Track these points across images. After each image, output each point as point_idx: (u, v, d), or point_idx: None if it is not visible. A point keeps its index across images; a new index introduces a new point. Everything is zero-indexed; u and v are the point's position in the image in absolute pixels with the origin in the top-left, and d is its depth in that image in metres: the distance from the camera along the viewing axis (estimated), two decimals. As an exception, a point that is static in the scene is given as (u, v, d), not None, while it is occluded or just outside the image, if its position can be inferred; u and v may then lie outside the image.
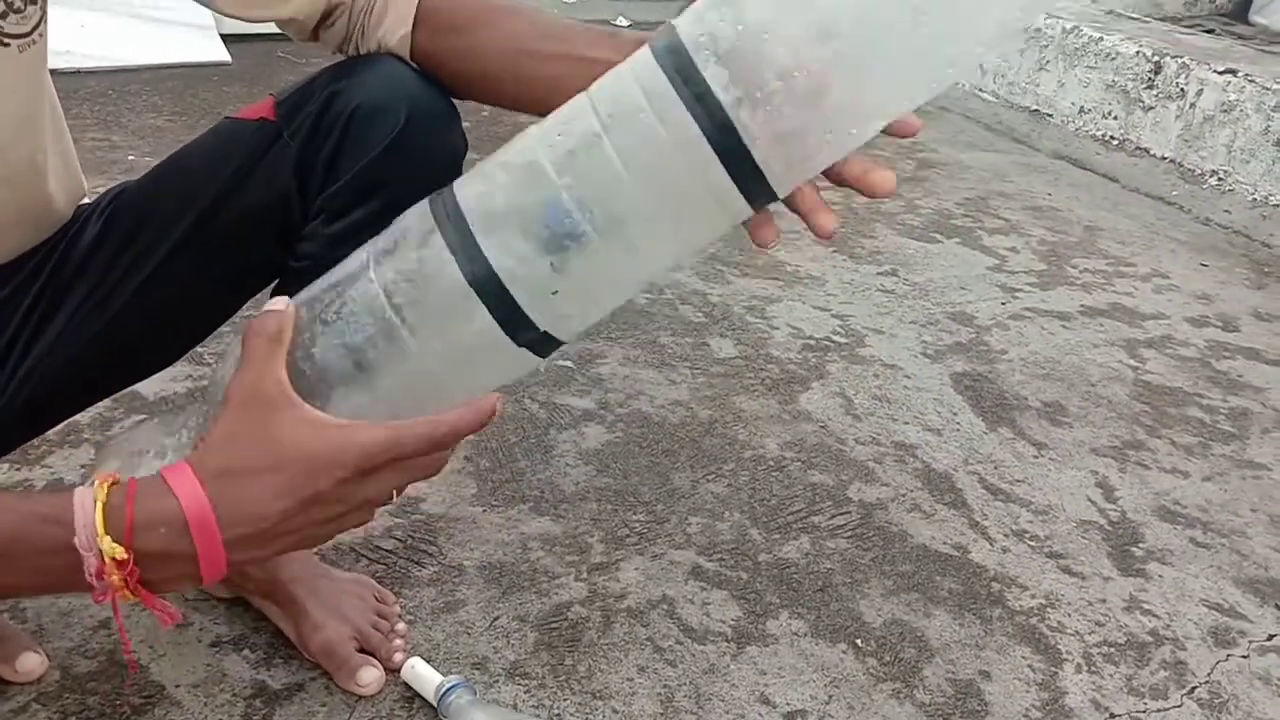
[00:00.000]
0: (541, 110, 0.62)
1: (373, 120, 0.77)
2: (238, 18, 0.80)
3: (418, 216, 0.60)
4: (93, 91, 2.48)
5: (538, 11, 0.77)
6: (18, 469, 1.21)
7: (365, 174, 0.78)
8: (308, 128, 0.78)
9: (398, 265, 0.58)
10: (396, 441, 0.52)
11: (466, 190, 0.59)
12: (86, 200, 0.91)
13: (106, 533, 0.49)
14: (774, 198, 0.56)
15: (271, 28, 0.83)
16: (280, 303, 0.58)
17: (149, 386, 1.39)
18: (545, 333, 0.58)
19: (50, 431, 1.28)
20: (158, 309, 0.84)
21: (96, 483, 0.51)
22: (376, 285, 0.58)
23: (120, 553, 0.49)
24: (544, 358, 0.60)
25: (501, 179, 0.58)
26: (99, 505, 0.50)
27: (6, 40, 0.72)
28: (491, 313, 0.56)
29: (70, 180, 0.87)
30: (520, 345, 0.58)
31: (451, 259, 0.56)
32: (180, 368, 1.45)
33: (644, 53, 0.55)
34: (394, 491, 0.55)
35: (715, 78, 0.52)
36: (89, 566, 0.49)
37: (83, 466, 1.23)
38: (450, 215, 0.57)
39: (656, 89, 0.53)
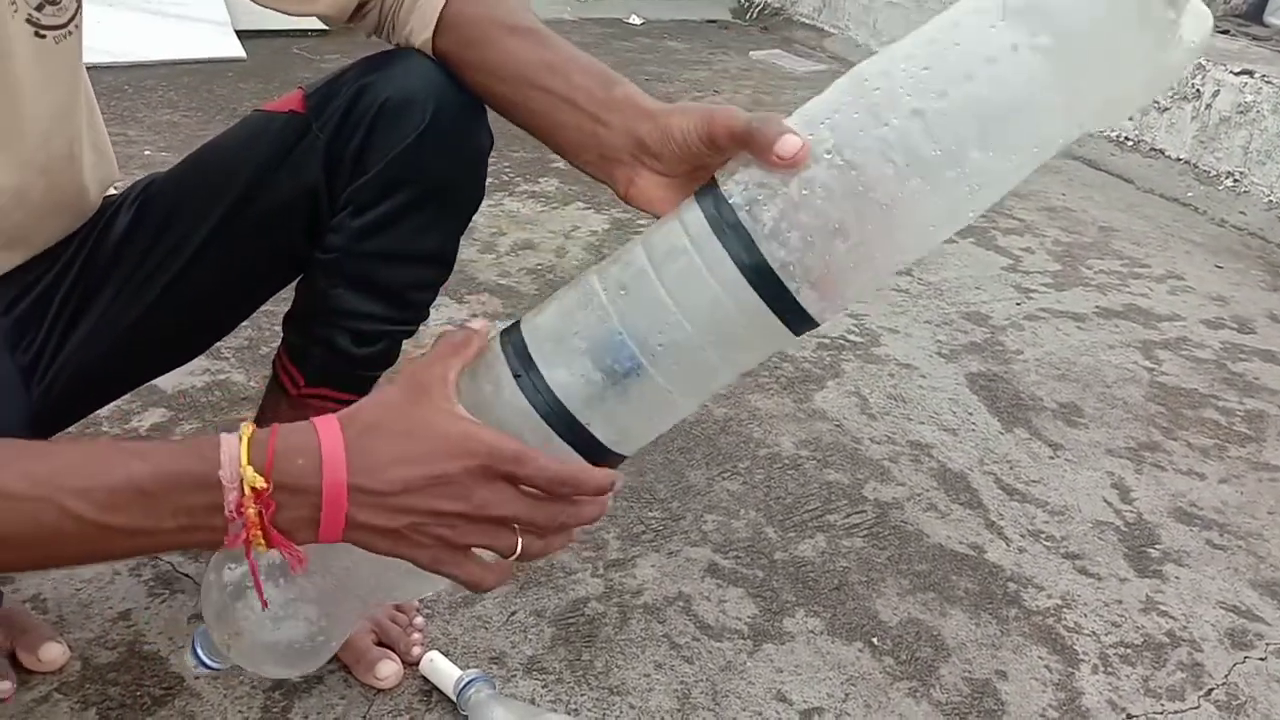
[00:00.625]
0: (541, 138, 0.69)
1: (401, 114, 0.77)
2: (273, 9, 0.80)
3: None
4: (109, 87, 2.49)
5: (542, 37, 0.75)
6: (38, 461, 1.22)
7: (392, 167, 0.78)
8: (336, 120, 0.79)
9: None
10: (523, 454, 0.54)
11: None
12: (114, 191, 0.92)
13: (250, 463, 0.51)
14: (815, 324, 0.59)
15: (287, 23, 0.83)
16: (479, 323, 0.60)
17: (168, 381, 1.40)
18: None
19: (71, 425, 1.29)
20: (189, 301, 0.84)
21: (243, 425, 0.53)
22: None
23: (260, 482, 0.50)
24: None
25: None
26: (244, 439, 0.52)
27: (43, 32, 0.72)
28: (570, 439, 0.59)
29: (104, 170, 0.88)
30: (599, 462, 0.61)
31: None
32: (200, 362, 1.45)
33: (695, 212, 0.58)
34: (515, 529, 0.55)
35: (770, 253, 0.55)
36: (229, 501, 0.50)
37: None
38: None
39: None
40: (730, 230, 0.55)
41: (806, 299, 0.56)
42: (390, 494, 0.52)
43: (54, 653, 0.93)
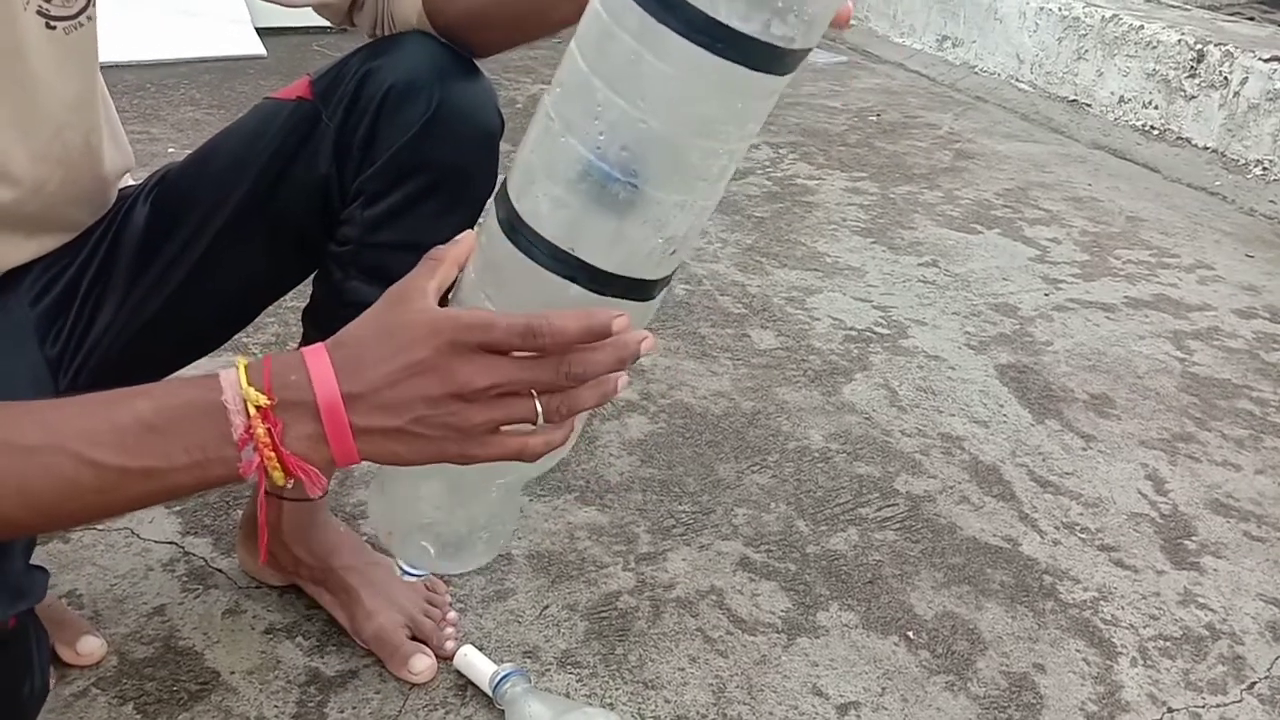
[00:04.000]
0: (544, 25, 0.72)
1: (405, 101, 0.77)
2: (276, 1, 0.80)
3: None
4: (130, 85, 2.50)
5: None
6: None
7: (401, 155, 0.78)
8: (344, 108, 0.78)
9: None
10: (486, 318, 0.52)
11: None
12: (133, 182, 0.92)
13: (249, 384, 0.51)
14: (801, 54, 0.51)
15: (306, 19, 0.83)
16: (465, 235, 0.59)
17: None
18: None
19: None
20: (207, 293, 0.84)
21: (236, 358, 0.54)
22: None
23: (262, 399, 0.50)
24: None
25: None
26: (240, 366, 0.52)
27: (53, 23, 0.72)
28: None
29: (121, 162, 0.87)
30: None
31: None
32: (226, 357, 1.45)
33: None
34: (521, 395, 0.52)
35: None
36: (236, 426, 0.50)
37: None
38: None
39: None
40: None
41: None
42: (377, 391, 0.51)
43: (91, 646, 0.93)
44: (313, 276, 0.89)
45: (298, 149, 0.80)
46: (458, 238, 0.58)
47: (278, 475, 0.51)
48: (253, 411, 0.50)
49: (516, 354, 0.52)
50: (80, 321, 0.83)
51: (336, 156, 0.80)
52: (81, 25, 0.76)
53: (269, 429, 0.51)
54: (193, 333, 0.90)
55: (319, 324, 0.88)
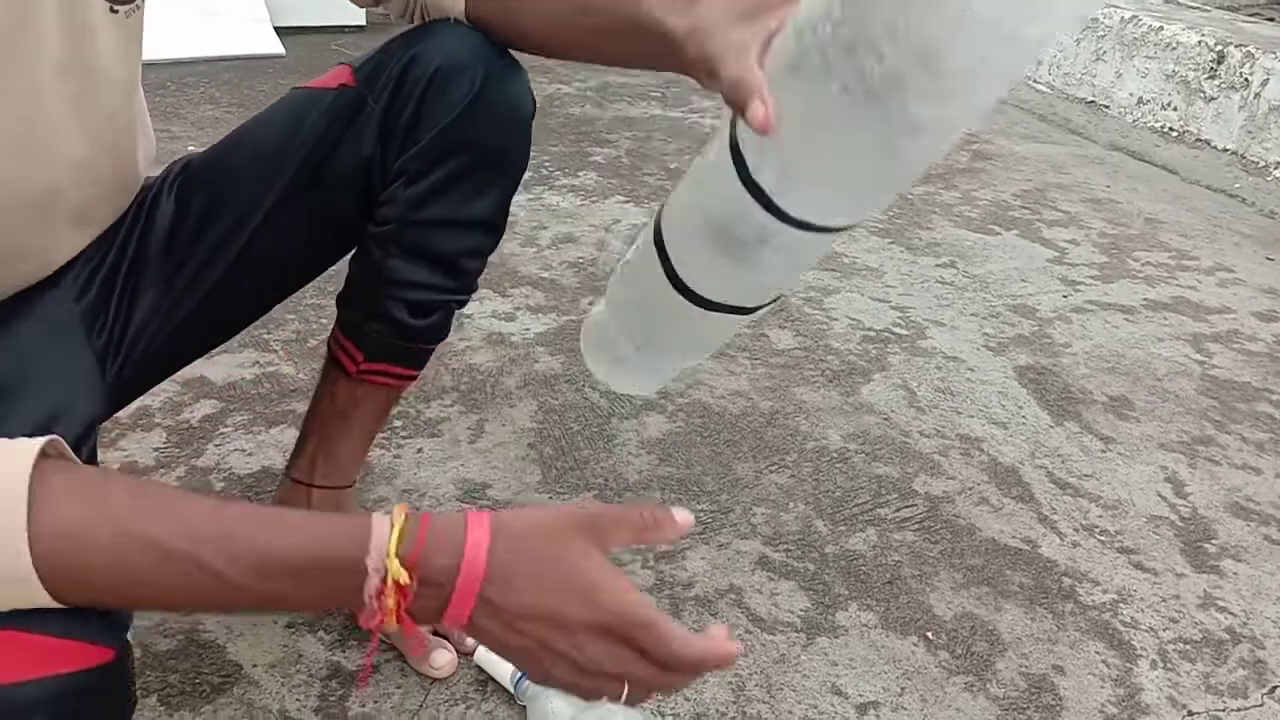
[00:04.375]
0: (587, 57, 0.77)
1: (450, 82, 0.78)
2: None
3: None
4: (150, 84, 2.51)
5: None
6: (93, 451, 1.23)
7: (444, 135, 0.80)
8: (390, 91, 0.80)
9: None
10: (652, 626, 0.52)
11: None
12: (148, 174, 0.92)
13: (396, 554, 0.51)
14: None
15: (325, 19, 0.84)
16: (682, 517, 0.57)
17: (218, 373, 1.41)
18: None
19: (123, 413, 1.31)
20: (245, 286, 0.85)
21: (395, 510, 0.53)
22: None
23: (404, 577, 0.50)
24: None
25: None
26: (395, 529, 0.51)
27: (115, 7, 0.73)
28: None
29: (149, 150, 0.88)
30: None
31: None
32: (249, 355, 1.46)
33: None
34: (621, 682, 0.54)
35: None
36: (370, 587, 0.50)
37: (155, 449, 1.25)
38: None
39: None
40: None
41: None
42: (512, 614, 0.52)
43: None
44: (349, 259, 0.90)
45: (343, 133, 0.82)
46: (679, 517, 0.57)
47: (390, 628, 0.52)
48: (389, 582, 0.50)
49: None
50: (120, 315, 0.84)
51: (381, 138, 0.81)
52: (138, 8, 0.77)
53: (399, 602, 0.51)
54: (228, 319, 0.91)
55: (354, 305, 0.89)
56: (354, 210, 0.84)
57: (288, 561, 0.51)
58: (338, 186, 0.82)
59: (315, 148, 0.82)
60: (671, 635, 0.53)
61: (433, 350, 0.92)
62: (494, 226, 0.87)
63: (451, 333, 0.93)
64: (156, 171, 0.91)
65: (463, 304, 0.90)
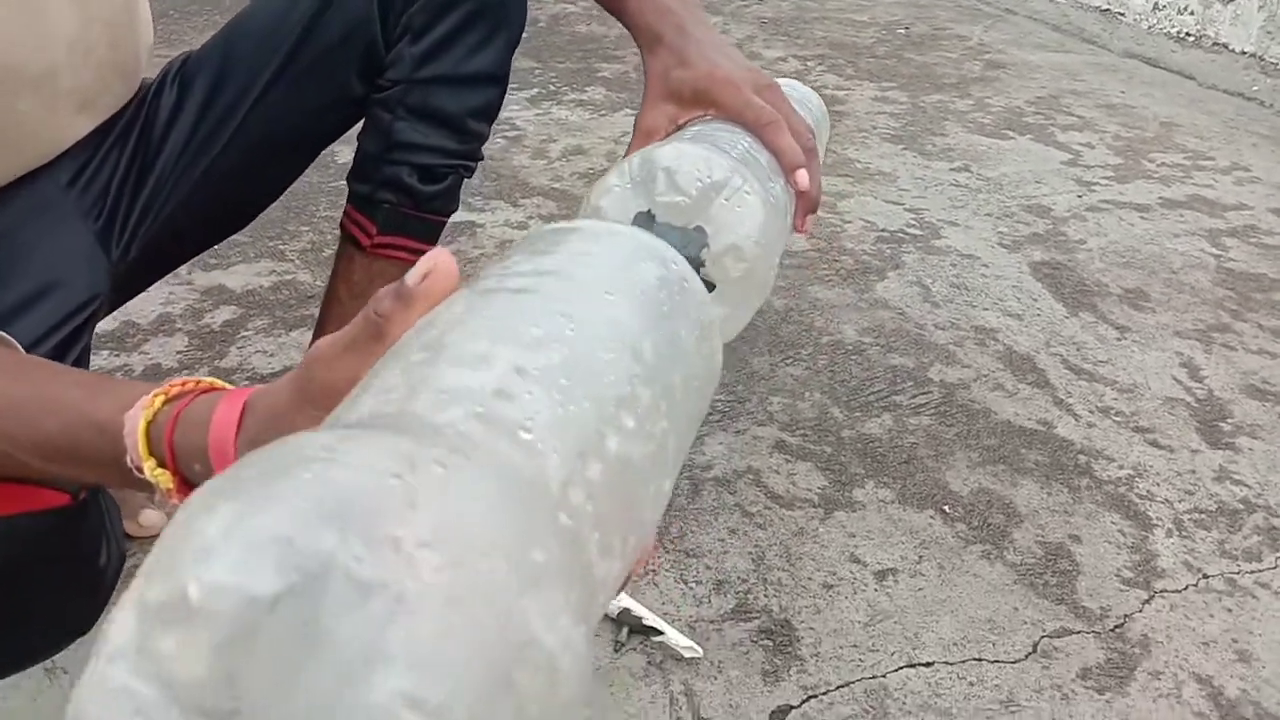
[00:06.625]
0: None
1: None
2: None
3: None
4: (153, 12, 2.50)
5: None
6: (116, 355, 1.25)
7: None
8: None
9: None
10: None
11: None
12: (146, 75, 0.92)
13: (150, 455, 0.43)
14: None
15: None
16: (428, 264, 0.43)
17: (237, 280, 1.42)
18: None
19: (145, 320, 1.32)
20: (252, 157, 0.85)
21: (150, 396, 0.45)
22: None
23: (166, 480, 0.43)
24: None
25: None
26: (142, 424, 0.44)
27: None
28: None
29: (148, 36, 0.88)
30: None
31: None
32: (266, 264, 1.47)
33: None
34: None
35: None
36: (136, 470, 0.44)
37: (178, 353, 1.27)
38: None
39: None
40: None
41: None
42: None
43: (152, 519, 0.96)
44: (358, 135, 0.90)
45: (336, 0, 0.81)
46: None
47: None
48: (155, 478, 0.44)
49: None
50: (123, 195, 0.84)
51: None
52: None
53: (171, 476, 0.43)
54: (237, 198, 0.91)
55: (365, 178, 0.89)
56: (354, 78, 0.84)
57: (60, 448, 0.46)
58: (335, 51, 0.82)
59: (310, 15, 0.81)
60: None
61: (444, 223, 0.92)
62: (498, 80, 0.86)
63: (465, 239, 0.93)
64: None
65: (470, 171, 0.91)
